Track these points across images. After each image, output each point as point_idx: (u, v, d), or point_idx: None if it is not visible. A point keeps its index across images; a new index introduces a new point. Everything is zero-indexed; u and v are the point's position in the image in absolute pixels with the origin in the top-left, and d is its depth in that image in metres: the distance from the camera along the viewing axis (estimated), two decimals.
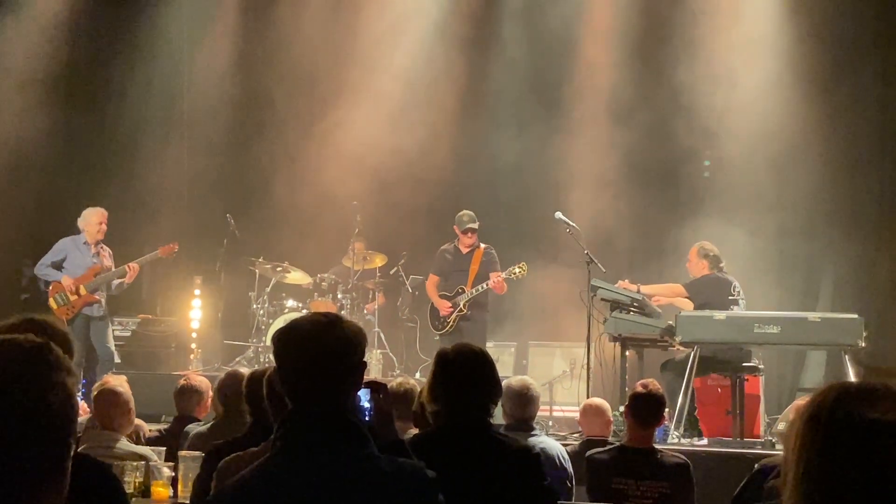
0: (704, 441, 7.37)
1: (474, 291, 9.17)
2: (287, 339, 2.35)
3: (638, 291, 8.08)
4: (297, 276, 10.44)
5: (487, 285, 9.09)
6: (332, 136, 10.87)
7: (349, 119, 10.84)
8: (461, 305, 9.25)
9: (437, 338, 9.38)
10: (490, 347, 8.48)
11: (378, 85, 10.93)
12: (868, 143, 9.94)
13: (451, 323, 9.28)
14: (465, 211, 9.44)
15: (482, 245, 9.43)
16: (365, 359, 2.42)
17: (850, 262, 9.74)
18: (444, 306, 9.34)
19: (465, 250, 9.41)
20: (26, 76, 10.23)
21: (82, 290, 8.93)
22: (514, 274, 8.98)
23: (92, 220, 9.09)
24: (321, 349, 2.30)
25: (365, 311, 10.39)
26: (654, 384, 4.88)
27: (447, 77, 10.97)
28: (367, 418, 2.52)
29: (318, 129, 10.98)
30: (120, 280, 9.13)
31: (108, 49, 11.18)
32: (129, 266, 9.05)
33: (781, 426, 7.12)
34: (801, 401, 4.60)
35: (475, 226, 9.30)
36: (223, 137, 11.48)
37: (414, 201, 10.74)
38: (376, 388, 2.61)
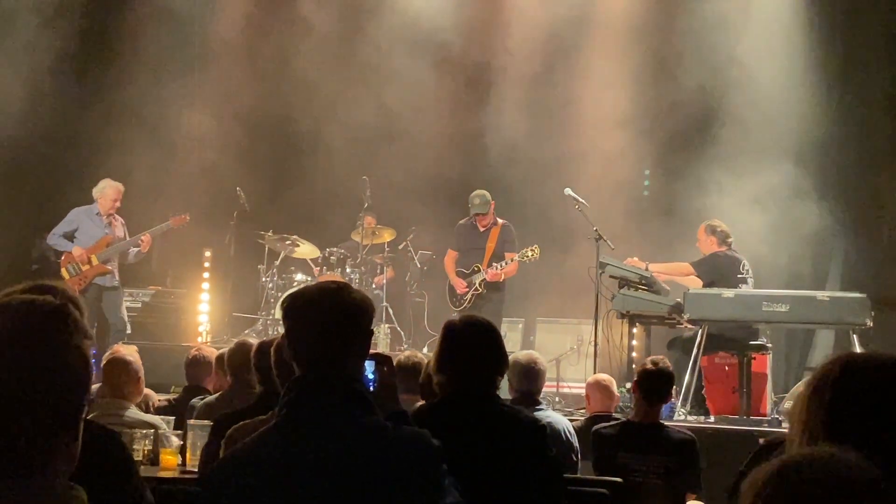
0: (711, 419, 7.39)
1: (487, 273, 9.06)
2: (296, 304, 2.37)
3: (647, 269, 8.07)
4: (305, 250, 10.43)
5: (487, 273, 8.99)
6: (341, 111, 10.86)
7: (356, 97, 10.83)
8: (477, 284, 9.13)
9: (455, 314, 9.02)
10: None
11: (386, 59, 10.88)
12: (878, 126, 9.90)
13: (467, 301, 9.17)
14: (475, 192, 9.22)
15: (500, 221, 9.27)
16: (372, 329, 2.43)
17: (859, 242, 9.73)
18: (460, 285, 9.22)
19: (481, 228, 9.26)
20: (37, 45, 10.19)
21: (94, 260, 8.97)
22: (527, 257, 8.84)
23: (108, 193, 9.12)
24: (329, 313, 2.31)
25: (373, 286, 10.38)
26: (664, 361, 4.86)
27: (455, 55, 10.94)
28: (370, 389, 2.52)
29: (325, 105, 10.96)
30: (136, 249, 9.19)
31: (117, 14, 11.15)
32: (142, 239, 9.12)
33: (788, 404, 7.12)
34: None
35: (483, 210, 9.12)
36: (235, 106, 11.45)
37: (424, 175, 10.72)
38: (381, 360, 2.61)
